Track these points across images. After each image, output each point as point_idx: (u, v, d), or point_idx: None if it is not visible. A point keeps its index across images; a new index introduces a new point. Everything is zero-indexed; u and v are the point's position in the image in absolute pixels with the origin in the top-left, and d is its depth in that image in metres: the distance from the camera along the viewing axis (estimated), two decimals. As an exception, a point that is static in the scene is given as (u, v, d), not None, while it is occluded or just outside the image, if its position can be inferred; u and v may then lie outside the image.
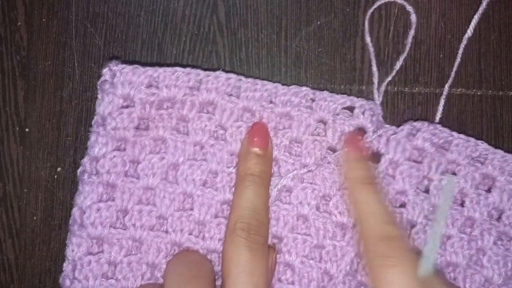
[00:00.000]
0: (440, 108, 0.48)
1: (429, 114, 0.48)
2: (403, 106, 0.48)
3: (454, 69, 0.48)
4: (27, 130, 0.49)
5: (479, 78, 0.48)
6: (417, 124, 0.45)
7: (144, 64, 0.45)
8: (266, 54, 0.49)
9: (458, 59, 0.48)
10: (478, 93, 0.48)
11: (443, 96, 0.48)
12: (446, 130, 0.45)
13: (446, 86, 0.48)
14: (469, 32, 0.48)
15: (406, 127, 0.45)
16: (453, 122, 0.48)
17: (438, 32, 0.49)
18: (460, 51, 0.48)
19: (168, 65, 0.46)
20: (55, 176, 0.49)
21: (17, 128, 0.49)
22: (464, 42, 0.48)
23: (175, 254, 0.44)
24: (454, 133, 0.45)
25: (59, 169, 0.49)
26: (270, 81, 0.46)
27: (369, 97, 0.48)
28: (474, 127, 0.48)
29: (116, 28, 0.49)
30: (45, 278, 0.48)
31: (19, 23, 0.49)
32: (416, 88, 0.48)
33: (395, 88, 0.48)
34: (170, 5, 0.49)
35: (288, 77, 0.48)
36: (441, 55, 0.49)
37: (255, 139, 0.44)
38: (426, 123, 0.45)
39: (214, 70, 0.46)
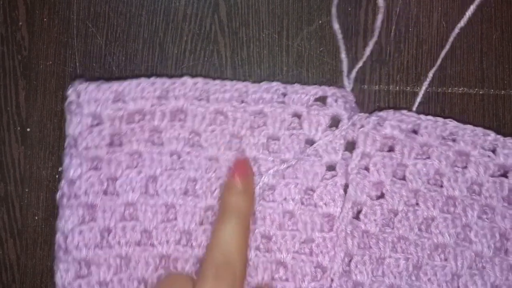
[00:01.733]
0: (418, 99, 0.48)
1: (431, 113, 0.48)
2: (405, 106, 0.48)
3: (442, 56, 0.48)
4: (28, 130, 0.49)
5: (481, 77, 0.48)
6: (383, 113, 0.45)
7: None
8: (267, 54, 0.49)
9: (447, 47, 0.48)
10: (480, 92, 0.48)
11: (425, 83, 0.47)
12: (413, 114, 0.45)
13: (430, 73, 0.48)
14: (462, 22, 0.48)
15: (372, 119, 0.45)
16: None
17: (440, 31, 0.49)
18: (451, 39, 0.48)
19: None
20: (57, 176, 0.49)
21: (19, 128, 0.49)
22: (455, 31, 0.48)
23: (157, 282, 0.44)
24: (422, 116, 0.45)
25: (60, 168, 0.48)
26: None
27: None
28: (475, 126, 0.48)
29: (117, 27, 0.49)
30: (46, 278, 0.48)
31: (20, 23, 0.49)
32: (418, 88, 0.48)
33: (397, 88, 0.48)
34: (171, 4, 0.49)
35: (290, 77, 0.48)
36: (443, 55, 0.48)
37: (236, 175, 0.43)
38: (391, 111, 0.45)
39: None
